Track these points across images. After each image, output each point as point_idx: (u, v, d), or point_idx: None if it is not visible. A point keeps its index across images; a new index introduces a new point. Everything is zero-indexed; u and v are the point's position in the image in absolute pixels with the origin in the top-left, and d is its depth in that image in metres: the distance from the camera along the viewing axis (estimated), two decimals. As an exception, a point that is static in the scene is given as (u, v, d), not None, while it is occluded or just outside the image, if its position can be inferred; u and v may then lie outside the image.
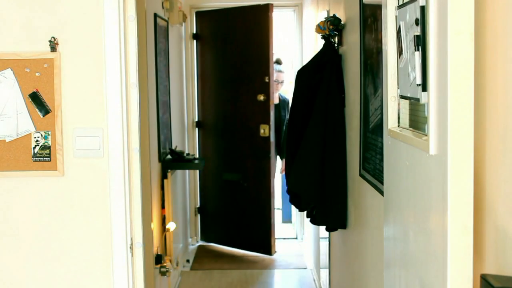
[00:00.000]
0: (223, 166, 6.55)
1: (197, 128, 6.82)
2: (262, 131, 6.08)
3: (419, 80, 1.61)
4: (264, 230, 6.29)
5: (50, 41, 2.50)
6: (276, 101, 6.58)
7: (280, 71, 6.69)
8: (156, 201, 4.54)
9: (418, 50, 1.61)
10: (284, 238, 6.90)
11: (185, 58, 6.63)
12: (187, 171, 6.49)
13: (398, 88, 1.90)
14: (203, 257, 6.39)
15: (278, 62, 6.69)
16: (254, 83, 6.22)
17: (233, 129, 6.46)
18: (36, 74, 2.51)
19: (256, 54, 6.20)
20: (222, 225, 6.71)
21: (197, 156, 6.55)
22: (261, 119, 6.15)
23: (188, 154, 5.70)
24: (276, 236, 6.41)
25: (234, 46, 6.47)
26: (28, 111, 2.52)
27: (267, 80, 6.08)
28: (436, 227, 1.52)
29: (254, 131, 6.20)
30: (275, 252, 6.34)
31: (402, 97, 1.88)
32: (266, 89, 6.11)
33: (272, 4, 6.08)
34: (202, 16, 6.69)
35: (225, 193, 6.60)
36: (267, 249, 6.31)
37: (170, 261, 4.72)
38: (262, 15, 6.10)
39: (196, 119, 6.81)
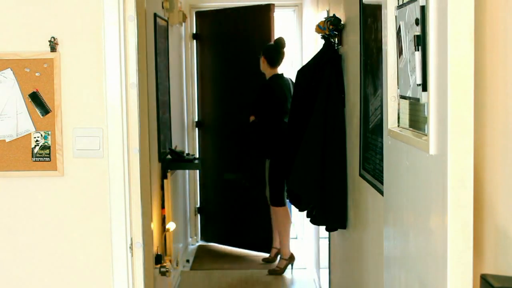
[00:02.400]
0: (223, 165, 6.51)
1: (197, 128, 6.83)
2: None
3: (419, 80, 1.61)
4: (266, 229, 6.22)
5: (50, 41, 2.50)
6: None
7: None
8: (156, 201, 4.54)
9: (418, 50, 1.61)
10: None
11: (185, 58, 6.63)
12: (187, 171, 6.49)
13: (398, 88, 1.90)
14: (203, 257, 6.39)
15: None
16: (254, 84, 6.19)
17: (234, 128, 6.44)
18: (36, 74, 2.51)
19: (256, 55, 6.17)
20: (223, 225, 6.71)
21: (197, 156, 6.55)
22: None
23: (188, 154, 5.70)
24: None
25: (236, 46, 6.46)
26: (28, 111, 2.52)
27: None
28: (436, 227, 1.52)
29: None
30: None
31: (402, 97, 1.88)
32: None
33: (273, 4, 6.03)
34: (203, 16, 6.69)
35: (226, 193, 6.59)
36: (269, 248, 6.25)
37: (170, 261, 4.72)
38: (263, 15, 6.05)
39: (196, 119, 6.82)
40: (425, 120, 1.66)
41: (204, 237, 6.84)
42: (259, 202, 6.27)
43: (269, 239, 6.22)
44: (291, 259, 5.98)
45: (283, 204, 5.82)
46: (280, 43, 5.84)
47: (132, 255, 2.59)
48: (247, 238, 6.47)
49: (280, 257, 5.98)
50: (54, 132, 2.52)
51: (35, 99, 2.51)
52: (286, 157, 5.35)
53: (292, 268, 5.99)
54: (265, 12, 6.10)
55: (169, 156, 5.22)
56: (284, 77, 5.86)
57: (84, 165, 2.54)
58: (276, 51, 5.81)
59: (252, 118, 5.82)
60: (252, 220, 6.42)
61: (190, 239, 6.73)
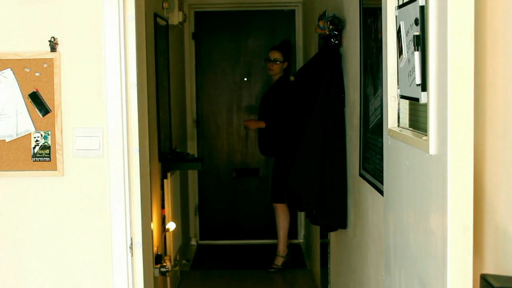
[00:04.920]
0: (236, 161, 6.79)
1: (197, 128, 6.85)
2: None
3: (419, 80, 1.61)
4: (265, 218, 6.57)
5: (50, 41, 2.50)
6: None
7: (274, 50, 5.86)
8: (156, 201, 4.54)
9: (418, 50, 1.61)
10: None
11: (185, 58, 6.64)
12: (187, 171, 6.51)
13: (398, 88, 1.90)
14: (203, 257, 6.40)
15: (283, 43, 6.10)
16: (253, 83, 6.31)
17: (233, 127, 6.61)
18: (36, 74, 2.51)
19: (255, 55, 6.27)
20: (223, 221, 6.89)
21: (197, 156, 6.57)
22: None
23: (188, 154, 5.70)
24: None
25: (235, 47, 6.57)
26: (28, 111, 2.52)
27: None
28: (436, 227, 1.52)
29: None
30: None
31: (402, 97, 1.88)
32: None
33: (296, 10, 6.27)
34: (203, 16, 6.74)
35: (226, 190, 6.85)
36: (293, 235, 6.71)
37: (170, 261, 4.72)
38: (263, 18, 6.18)
39: (196, 119, 6.84)
40: (425, 120, 1.65)
41: (206, 236, 6.90)
42: (257, 196, 6.60)
43: (270, 226, 6.47)
44: (288, 256, 6.01)
45: (282, 201, 5.86)
46: (291, 45, 6.04)
47: (132, 255, 2.59)
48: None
49: (277, 254, 6.00)
50: (54, 132, 2.52)
51: (35, 99, 2.51)
52: (289, 155, 5.43)
53: (288, 260, 6.04)
54: (265, 15, 6.18)
55: (169, 156, 5.22)
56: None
57: (84, 165, 2.54)
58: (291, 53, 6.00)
59: (252, 123, 5.89)
60: (252, 213, 6.77)
61: (190, 239, 6.73)
